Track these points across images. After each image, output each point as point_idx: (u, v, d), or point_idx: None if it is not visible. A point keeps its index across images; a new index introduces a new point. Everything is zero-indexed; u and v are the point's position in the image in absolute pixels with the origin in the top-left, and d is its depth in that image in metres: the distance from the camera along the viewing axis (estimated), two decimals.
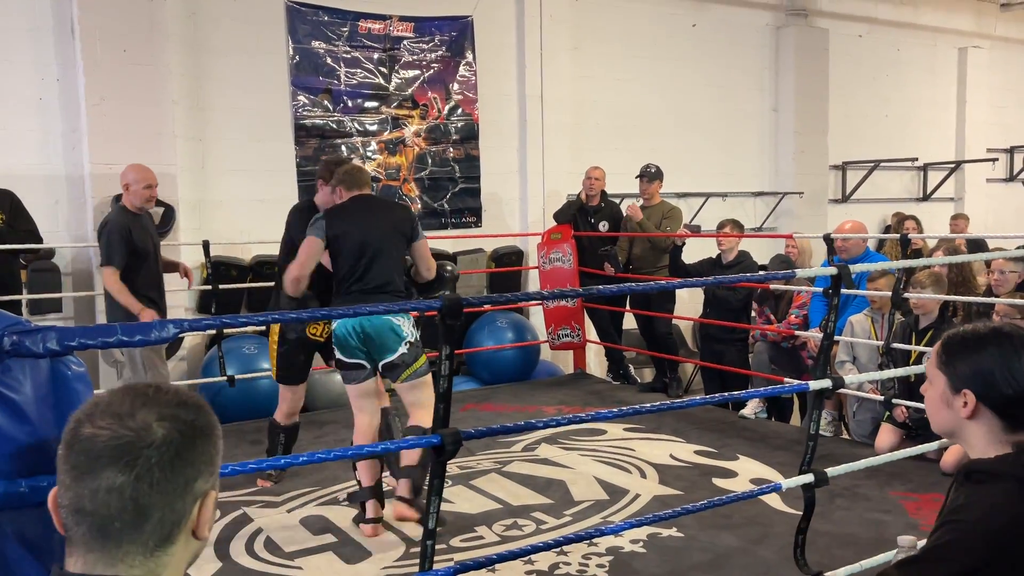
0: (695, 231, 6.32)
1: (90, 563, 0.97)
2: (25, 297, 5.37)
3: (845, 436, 5.46)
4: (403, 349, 3.61)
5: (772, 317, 5.99)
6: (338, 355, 3.70)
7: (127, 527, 0.96)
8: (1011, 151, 11.02)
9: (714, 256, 6.33)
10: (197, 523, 1.01)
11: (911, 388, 4.58)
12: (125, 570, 0.97)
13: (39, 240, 5.21)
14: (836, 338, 4.46)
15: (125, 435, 0.96)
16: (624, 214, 6.58)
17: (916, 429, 4.55)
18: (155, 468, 0.96)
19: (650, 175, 6.40)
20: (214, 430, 1.04)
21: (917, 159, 9.95)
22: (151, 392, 1.01)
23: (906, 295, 4.67)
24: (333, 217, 3.71)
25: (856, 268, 3.12)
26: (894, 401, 4.62)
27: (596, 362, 7.46)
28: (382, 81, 6.96)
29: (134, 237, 4.50)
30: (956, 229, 8.11)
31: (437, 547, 2.60)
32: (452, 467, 4.44)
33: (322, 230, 3.67)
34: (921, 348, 4.59)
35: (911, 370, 4.13)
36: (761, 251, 7.26)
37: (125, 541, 0.96)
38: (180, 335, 1.79)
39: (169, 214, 5.85)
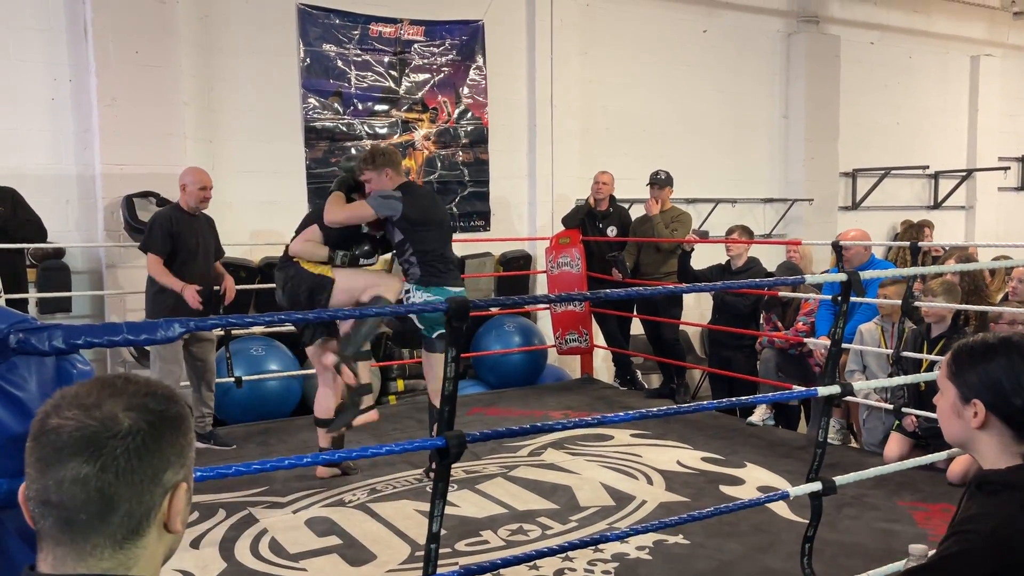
0: (703, 236, 6.30)
1: (59, 557, 0.96)
2: (34, 296, 5.39)
3: (853, 445, 5.43)
4: None
5: (779, 324, 5.96)
6: (417, 321, 4.22)
7: (93, 519, 0.94)
8: (1023, 160, 10.97)
9: (723, 262, 6.31)
10: (168, 516, 0.99)
11: (921, 397, 4.54)
12: (95, 564, 0.95)
13: (42, 231, 5.24)
14: (844, 346, 4.43)
15: (90, 425, 0.94)
16: (632, 219, 6.58)
17: (926, 438, 4.52)
18: (121, 458, 0.94)
19: (660, 181, 6.39)
20: (184, 421, 1.02)
21: (928, 167, 9.91)
22: (119, 383, 0.99)
23: (916, 303, 4.64)
24: (410, 199, 4.14)
25: (865, 275, 3.10)
26: (903, 410, 4.59)
27: (603, 367, 7.45)
28: (392, 84, 6.97)
29: (177, 230, 4.80)
30: (911, 236, 7.78)
31: (442, 551, 2.59)
32: (458, 471, 4.43)
33: (397, 210, 4.07)
34: (932, 357, 4.56)
35: (918, 377, 4.10)
36: (770, 258, 7.24)
37: (92, 533, 0.95)
38: (186, 334, 1.79)
39: None
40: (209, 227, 5.10)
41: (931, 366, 4.53)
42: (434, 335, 4.20)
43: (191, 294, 4.71)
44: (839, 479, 3.18)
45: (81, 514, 0.94)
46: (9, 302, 4.91)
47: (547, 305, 7.04)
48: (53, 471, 0.94)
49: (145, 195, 5.74)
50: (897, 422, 4.70)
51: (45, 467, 0.95)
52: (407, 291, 4.20)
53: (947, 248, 6.57)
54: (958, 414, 1.56)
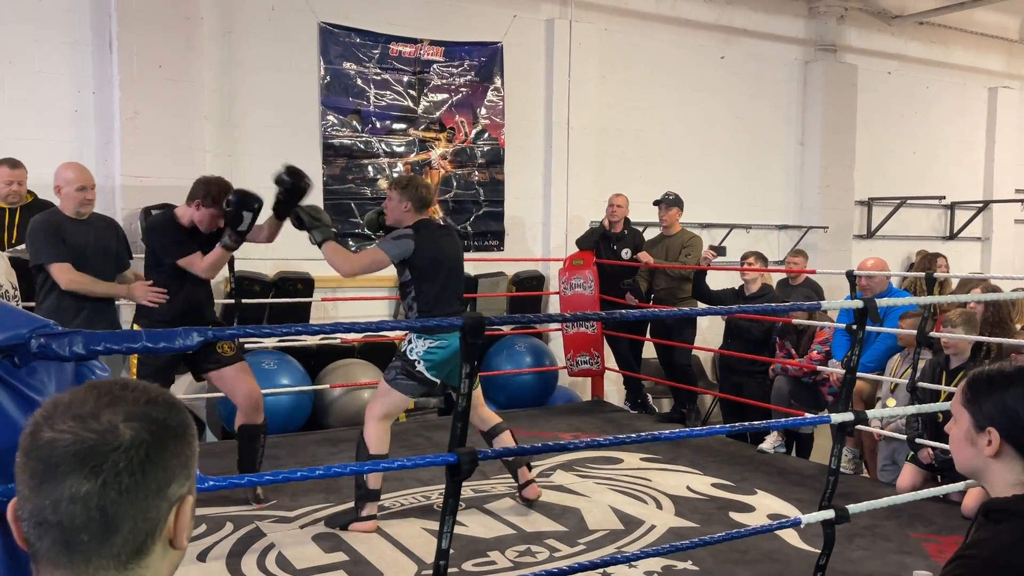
0: (721, 252, 6.25)
1: None
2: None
3: (865, 474, 5.37)
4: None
5: (793, 352, 5.93)
6: (426, 371, 3.89)
7: (95, 539, 0.87)
8: None
9: (737, 287, 6.30)
10: (174, 531, 0.92)
11: (938, 429, 4.50)
12: None
13: None
14: (860, 375, 4.40)
15: (88, 438, 0.86)
16: (645, 242, 6.59)
17: (941, 471, 4.47)
18: (124, 473, 0.86)
19: (668, 201, 6.40)
20: (187, 430, 0.94)
21: (944, 197, 9.87)
22: (116, 390, 0.92)
23: (933, 334, 4.61)
24: (421, 240, 3.93)
25: (882, 303, 3.09)
26: (918, 441, 4.55)
27: (614, 390, 7.42)
28: (411, 103, 7.03)
29: (62, 236, 4.15)
30: (926, 267, 7.58)
31: (450, 571, 2.57)
32: (466, 490, 4.41)
33: (408, 251, 3.89)
34: (951, 388, 4.52)
35: (935, 407, 4.07)
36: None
37: (94, 555, 0.87)
38: (203, 343, 1.80)
39: None
40: (108, 231, 4.37)
41: (949, 397, 4.50)
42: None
43: (143, 291, 4.07)
44: (852, 507, 3.14)
45: (83, 535, 0.86)
46: (33, 310, 4.95)
47: (559, 326, 7.03)
48: (49, 489, 0.86)
49: (163, 207, 5.79)
50: (912, 453, 4.66)
51: (40, 485, 0.87)
52: (409, 340, 3.98)
53: (957, 279, 6.54)
54: (972, 442, 1.56)
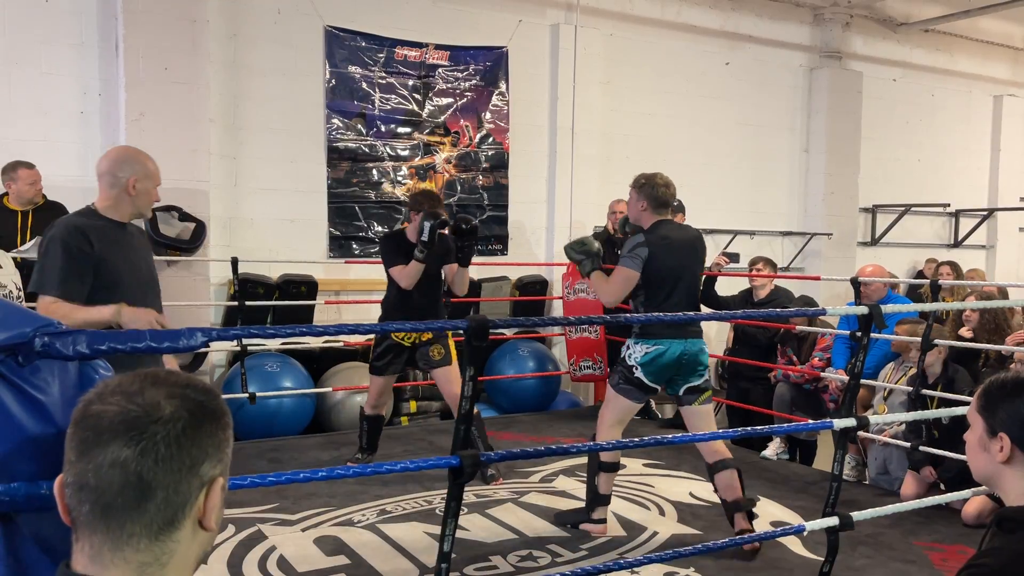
0: (734, 259, 6.20)
1: (95, 546, 0.96)
2: None
3: (868, 482, 5.35)
4: (707, 374, 3.90)
5: (795, 359, 5.92)
6: (644, 377, 3.81)
7: (130, 504, 0.95)
8: None
9: (746, 291, 6.27)
10: (204, 511, 0.99)
11: (939, 441, 4.49)
12: (131, 555, 0.96)
13: None
14: (864, 382, 4.39)
15: (133, 410, 0.96)
16: None
17: (945, 486, 4.44)
18: (161, 444, 0.95)
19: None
20: (224, 415, 1.03)
21: (949, 205, 9.86)
22: (161, 374, 1.02)
23: (938, 341, 4.60)
24: (655, 246, 3.84)
25: (886, 309, 3.08)
26: (920, 450, 4.53)
27: None
28: (415, 107, 7.04)
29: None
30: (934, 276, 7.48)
31: (451, 574, 2.56)
32: (468, 495, 4.40)
33: (642, 259, 3.81)
34: (954, 396, 4.50)
35: (937, 412, 4.05)
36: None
37: (128, 521, 0.95)
38: (207, 343, 1.80)
39: (200, 230, 5.93)
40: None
41: (949, 404, 4.48)
42: (681, 391, 3.88)
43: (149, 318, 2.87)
44: (856, 515, 3.13)
45: (119, 498, 0.94)
46: None
47: (562, 330, 7.02)
48: (93, 454, 0.95)
49: (168, 209, 5.80)
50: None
51: (85, 451, 0.96)
52: (627, 345, 3.89)
53: (954, 284, 6.51)
54: (985, 448, 1.57)
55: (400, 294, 4.62)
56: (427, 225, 4.41)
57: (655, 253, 3.81)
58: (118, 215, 2.94)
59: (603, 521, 4.04)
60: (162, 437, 0.95)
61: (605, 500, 4.05)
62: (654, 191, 3.93)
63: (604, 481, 4.00)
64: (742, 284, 6.46)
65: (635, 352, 3.84)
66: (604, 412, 4.01)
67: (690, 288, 3.95)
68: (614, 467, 4.04)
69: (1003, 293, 6.50)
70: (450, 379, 4.66)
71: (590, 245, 4.02)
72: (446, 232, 4.59)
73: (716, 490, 3.99)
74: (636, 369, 3.83)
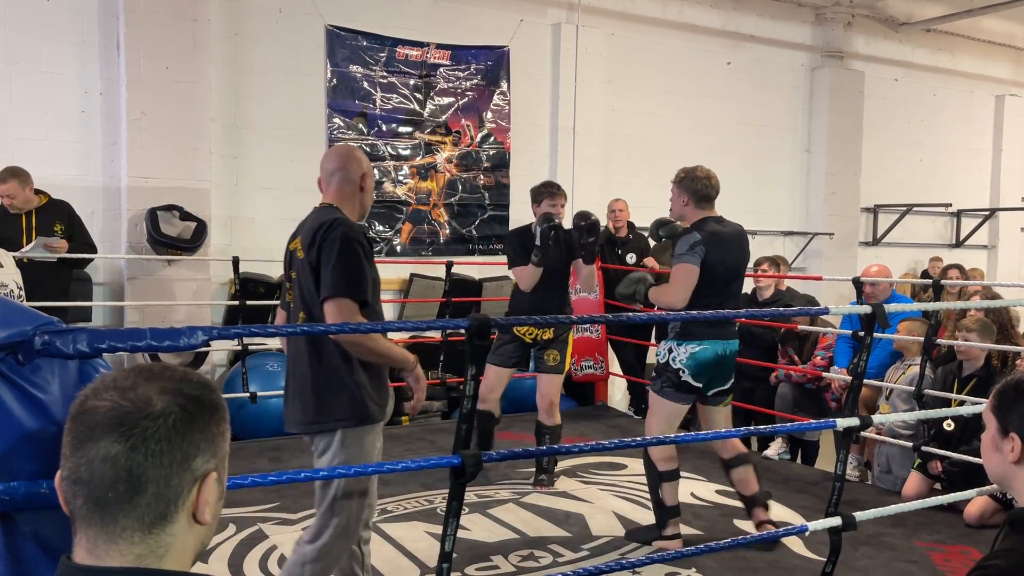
0: None
1: (91, 539, 0.97)
2: (67, 304, 5.41)
3: (871, 482, 5.34)
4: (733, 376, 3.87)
5: (796, 358, 5.90)
6: (691, 379, 3.70)
7: (121, 498, 0.95)
8: None
9: (749, 292, 6.27)
10: (197, 505, 0.99)
11: (948, 439, 4.47)
12: (127, 548, 0.96)
13: (95, 251, 5.32)
14: (867, 382, 4.38)
15: (124, 406, 0.97)
16: (651, 247, 6.56)
17: (949, 481, 4.43)
18: (151, 439, 0.96)
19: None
20: (218, 410, 1.03)
21: (951, 205, 9.85)
22: (157, 369, 1.02)
23: (942, 341, 4.59)
24: (706, 243, 3.68)
25: (890, 308, 3.07)
26: (925, 449, 4.52)
27: (619, 395, 7.39)
28: (417, 107, 7.03)
29: None
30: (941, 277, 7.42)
31: (452, 574, 2.55)
32: (469, 495, 4.39)
33: (699, 255, 3.66)
34: (962, 396, 4.49)
35: (940, 412, 4.04)
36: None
37: (120, 514, 0.96)
38: (208, 342, 1.79)
39: (201, 229, 5.92)
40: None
41: (959, 404, 4.46)
42: (711, 392, 3.78)
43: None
44: (858, 515, 3.12)
45: (109, 492, 0.95)
46: (47, 310, 4.94)
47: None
48: (85, 449, 0.96)
49: (169, 208, 5.80)
50: (918, 461, 4.63)
51: (79, 445, 0.97)
52: (669, 349, 3.76)
53: (955, 284, 6.49)
54: (997, 448, 1.57)
55: (525, 290, 4.57)
56: (539, 230, 4.43)
57: (710, 250, 3.66)
58: (353, 215, 2.84)
59: (677, 536, 3.83)
60: (152, 432, 0.96)
61: (674, 512, 3.85)
62: (695, 184, 3.77)
63: (668, 492, 3.82)
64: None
65: (679, 354, 3.71)
66: (651, 421, 3.85)
67: (741, 285, 3.91)
68: (674, 475, 3.85)
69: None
70: (553, 385, 4.66)
71: (631, 279, 4.04)
72: (565, 229, 4.53)
73: (732, 485, 3.98)
74: (683, 372, 3.70)
